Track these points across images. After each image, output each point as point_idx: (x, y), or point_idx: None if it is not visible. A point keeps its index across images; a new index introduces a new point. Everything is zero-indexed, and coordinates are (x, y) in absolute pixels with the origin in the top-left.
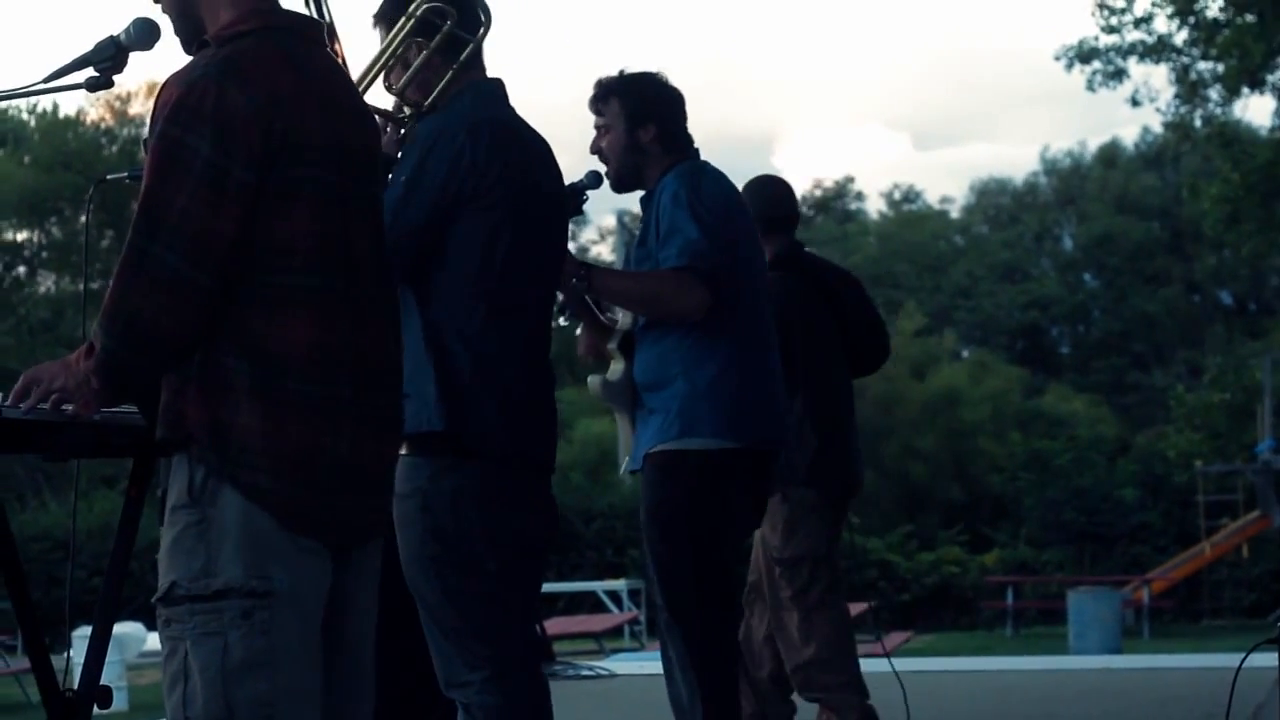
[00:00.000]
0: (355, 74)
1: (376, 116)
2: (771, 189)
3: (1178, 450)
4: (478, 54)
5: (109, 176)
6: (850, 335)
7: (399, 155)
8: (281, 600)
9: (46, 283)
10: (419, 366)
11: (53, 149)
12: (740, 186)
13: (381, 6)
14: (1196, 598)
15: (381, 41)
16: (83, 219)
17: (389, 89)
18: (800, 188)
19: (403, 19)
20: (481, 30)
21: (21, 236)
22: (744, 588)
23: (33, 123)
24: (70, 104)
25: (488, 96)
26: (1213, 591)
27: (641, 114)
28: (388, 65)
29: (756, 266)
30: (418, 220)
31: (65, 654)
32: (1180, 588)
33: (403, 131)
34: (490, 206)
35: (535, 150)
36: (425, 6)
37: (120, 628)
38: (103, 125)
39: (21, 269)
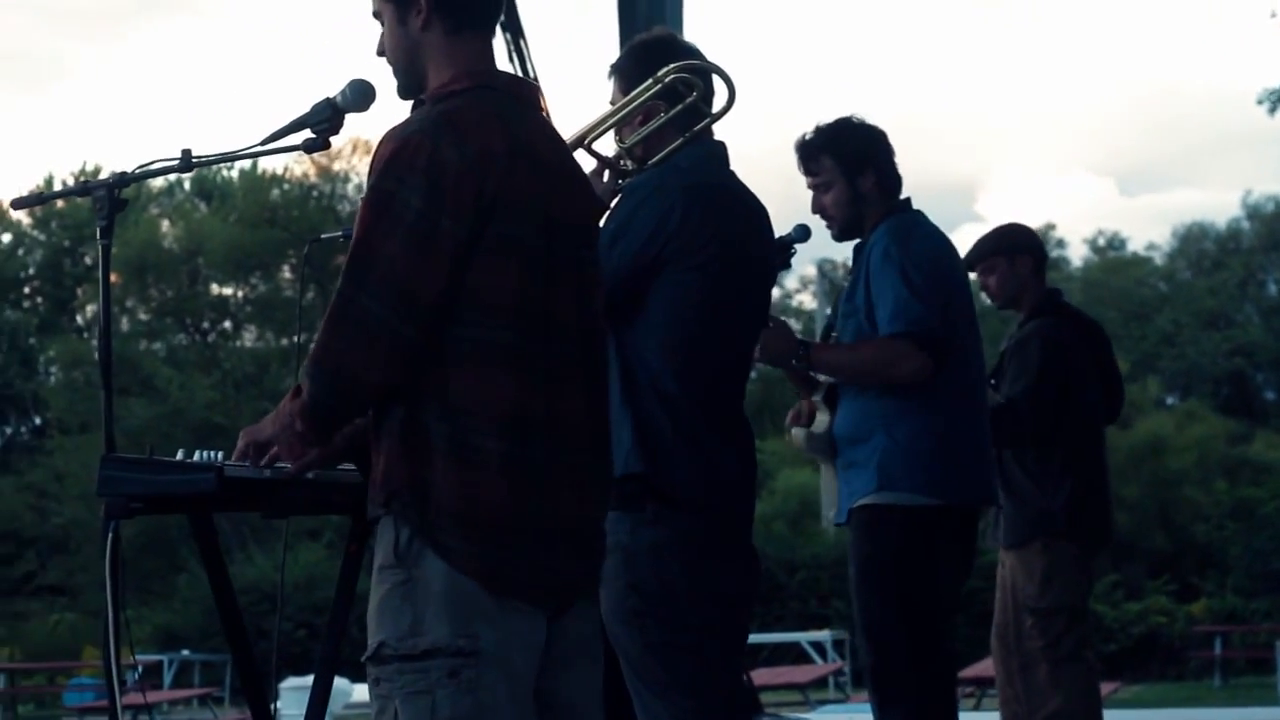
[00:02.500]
0: (577, 124)
1: (596, 161)
2: (1029, 233)
3: None
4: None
5: (323, 236)
6: (1109, 385)
7: (613, 204)
8: (488, 659)
9: (250, 337)
10: (616, 414)
11: (258, 205)
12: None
13: (620, 62)
14: None
15: (615, 93)
16: (286, 274)
17: (617, 141)
18: None
19: (650, 81)
20: (724, 107)
21: (227, 292)
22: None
23: (237, 179)
24: (275, 161)
25: (709, 158)
26: None
27: (858, 163)
28: (623, 120)
29: (967, 321)
30: (617, 272)
31: (273, 705)
32: None
33: (620, 182)
34: (695, 268)
35: (750, 214)
36: (675, 76)
37: None
38: (307, 182)
39: (227, 323)
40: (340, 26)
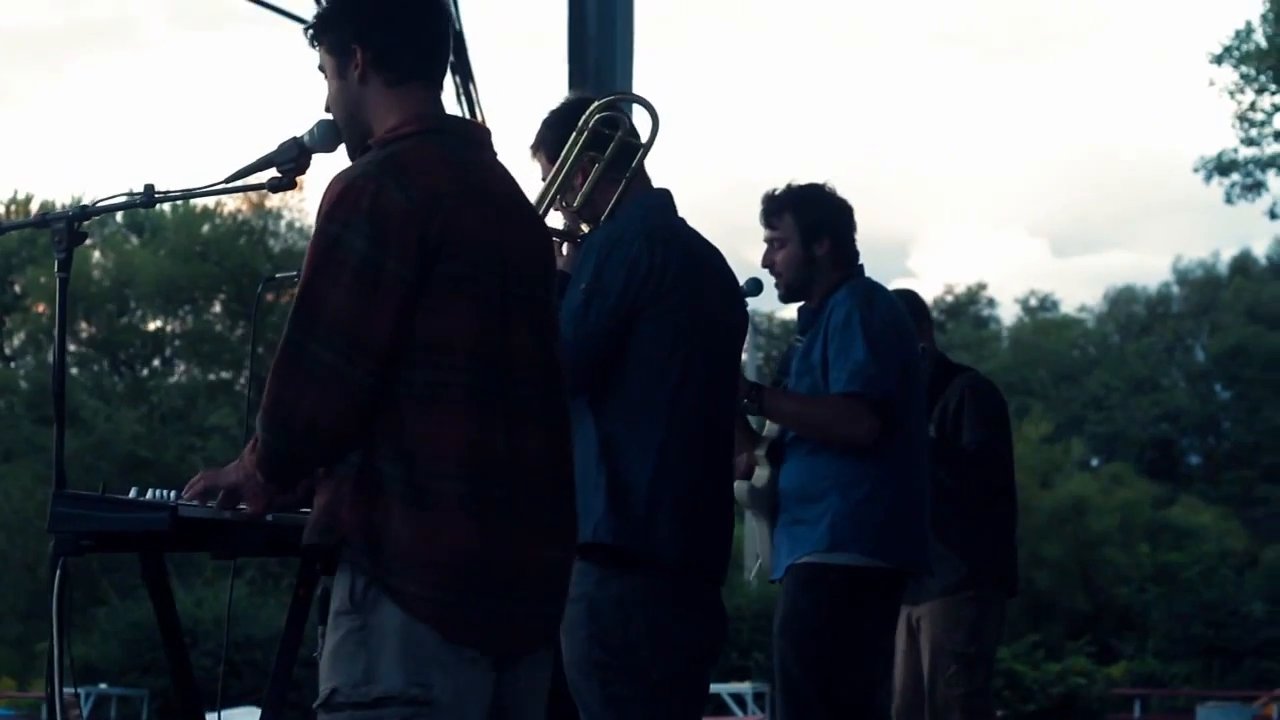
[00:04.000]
0: (524, 170)
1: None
2: (921, 299)
3: None
4: (643, 163)
5: (278, 275)
6: None
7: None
8: (441, 709)
9: (179, 371)
10: (588, 478)
11: (189, 239)
12: None
13: (539, 134)
14: None
15: (542, 170)
16: (216, 309)
17: (564, 208)
18: (931, 292)
19: (574, 134)
20: (651, 134)
21: (156, 325)
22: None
23: (169, 213)
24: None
25: (658, 206)
26: None
27: (816, 228)
28: (563, 185)
29: (919, 388)
30: (599, 328)
31: None
32: None
33: (579, 241)
34: (669, 311)
35: (707, 257)
36: (596, 117)
37: (244, 714)
38: (240, 216)
39: (156, 361)
40: (277, 65)
